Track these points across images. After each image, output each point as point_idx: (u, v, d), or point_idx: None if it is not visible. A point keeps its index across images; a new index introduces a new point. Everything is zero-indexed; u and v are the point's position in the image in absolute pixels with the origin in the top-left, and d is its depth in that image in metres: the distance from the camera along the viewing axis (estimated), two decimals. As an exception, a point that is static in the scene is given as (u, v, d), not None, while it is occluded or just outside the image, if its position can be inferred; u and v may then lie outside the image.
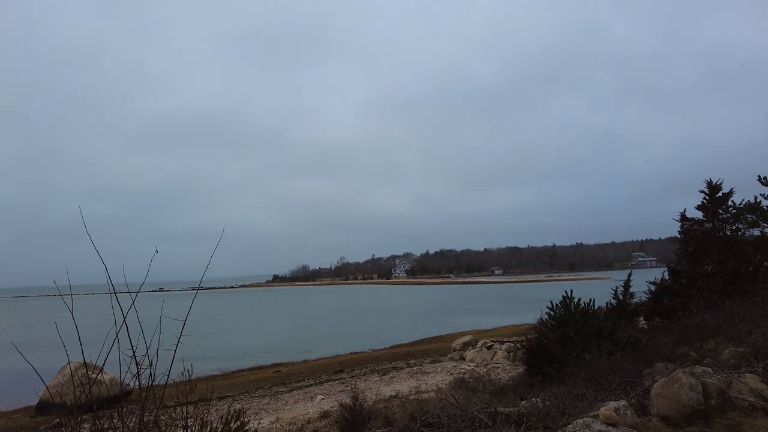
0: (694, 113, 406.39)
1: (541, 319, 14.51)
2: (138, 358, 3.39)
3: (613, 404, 5.63)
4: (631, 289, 19.48)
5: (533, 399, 7.73)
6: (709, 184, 16.94)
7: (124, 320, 3.32)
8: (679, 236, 18.57)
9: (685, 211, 17.93)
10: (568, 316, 14.39)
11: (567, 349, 13.39)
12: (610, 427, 4.76)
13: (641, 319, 19.24)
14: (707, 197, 16.90)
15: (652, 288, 19.34)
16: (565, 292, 14.92)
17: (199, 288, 5.38)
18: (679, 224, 18.40)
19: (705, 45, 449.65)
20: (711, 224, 16.74)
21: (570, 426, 4.88)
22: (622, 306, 19.25)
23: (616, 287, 19.59)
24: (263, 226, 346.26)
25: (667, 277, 19.15)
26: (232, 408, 7.02)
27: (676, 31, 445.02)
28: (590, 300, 14.72)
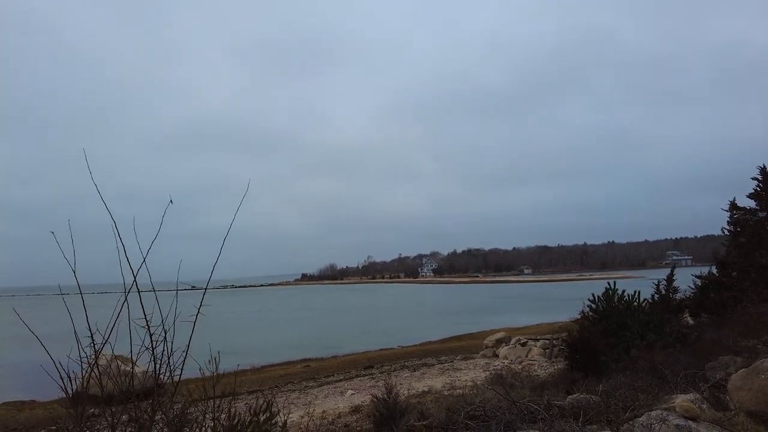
0: (710, 111, 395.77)
1: (583, 312, 13.76)
2: (152, 329, 2.98)
3: (685, 397, 5.00)
4: (674, 284, 18.42)
5: (582, 394, 7.11)
6: (763, 170, 15.87)
7: (134, 279, 2.91)
8: (727, 227, 17.49)
9: (735, 200, 16.84)
10: (610, 309, 13.62)
11: (611, 343, 12.66)
12: (690, 422, 4.14)
13: (686, 315, 18.19)
14: (761, 185, 15.82)
15: (698, 282, 18.30)
16: (608, 283, 14.15)
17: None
18: (728, 214, 17.33)
19: (714, 44, 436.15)
20: (766, 213, 15.66)
21: (642, 418, 4.28)
22: (666, 301, 18.21)
23: (659, 281, 18.56)
24: (289, 226, 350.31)
25: (714, 271, 18.09)
26: (260, 400, 6.64)
27: (683, 32, 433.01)
28: (635, 292, 13.91)
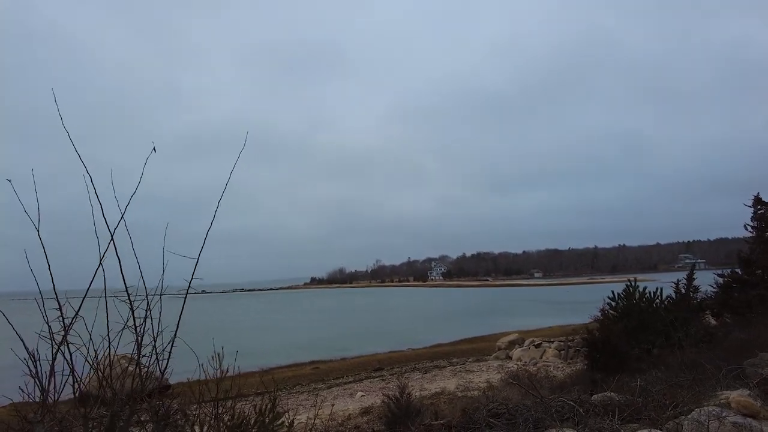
0: (715, 112, 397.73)
1: (603, 310, 13.23)
2: (134, 303, 2.55)
3: (739, 393, 4.50)
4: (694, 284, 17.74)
5: (610, 392, 6.62)
6: (789, 163, 15.24)
7: (112, 238, 2.48)
8: (751, 223, 16.87)
9: (759, 195, 16.23)
10: (631, 307, 13.09)
11: (633, 341, 12.12)
12: (750, 420, 3.65)
13: (707, 314, 17.52)
14: (786, 178, 15.18)
15: (720, 281, 17.66)
16: (629, 280, 13.64)
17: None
18: (752, 210, 16.72)
19: (716, 45, 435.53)
20: (792, 208, 15.04)
21: (693, 414, 3.79)
22: (686, 300, 17.56)
23: (678, 280, 17.93)
24: (297, 231, 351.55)
25: (738, 270, 17.43)
26: (266, 398, 6.25)
27: (684, 33, 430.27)
28: (657, 289, 13.37)
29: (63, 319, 2.43)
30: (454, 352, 27.33)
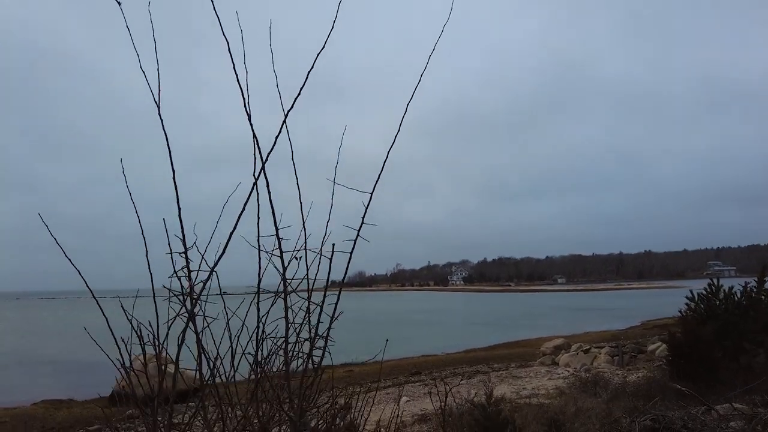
0: (704, 131, 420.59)
1: (685, 311, 12.04)
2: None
3: None
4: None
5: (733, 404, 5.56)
6: None
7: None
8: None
9: None
10: (714, 308, 11.86)
11: (720, 346, 10.90)
12: None
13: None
14: None
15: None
16: (711, 280, 12.43)
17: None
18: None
19: (696, 65, 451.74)
20: None
21: None
22: (755, 304, 16.17)
23: (746, 282, 16.57)
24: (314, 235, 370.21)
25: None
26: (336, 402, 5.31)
27: (662, 59, 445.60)
28: (746, 286, 12.14)
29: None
30: (492, 357, 26.14)
